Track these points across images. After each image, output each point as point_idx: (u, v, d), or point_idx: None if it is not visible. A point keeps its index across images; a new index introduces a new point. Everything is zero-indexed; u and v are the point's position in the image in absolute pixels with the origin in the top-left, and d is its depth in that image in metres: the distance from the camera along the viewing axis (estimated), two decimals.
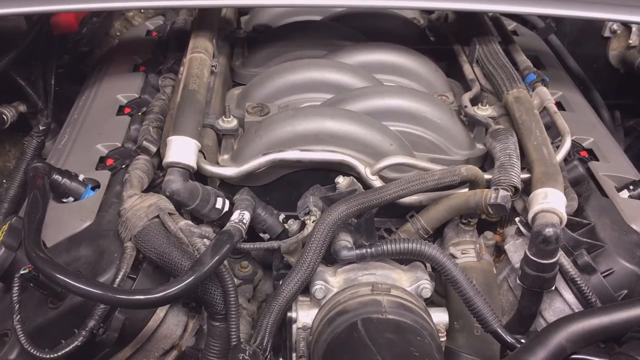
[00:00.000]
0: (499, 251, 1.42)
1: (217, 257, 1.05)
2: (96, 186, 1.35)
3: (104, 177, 1.37)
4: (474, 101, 1.55)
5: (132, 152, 1.41)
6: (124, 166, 1.39)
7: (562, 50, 2.24)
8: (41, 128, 1.90)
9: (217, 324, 1.13)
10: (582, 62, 2.28)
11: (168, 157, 1.24)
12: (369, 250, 1.16)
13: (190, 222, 1.18)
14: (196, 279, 1.01)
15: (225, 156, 1.43)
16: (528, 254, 1.15)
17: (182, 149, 1.25)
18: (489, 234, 1.39)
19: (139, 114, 1.59)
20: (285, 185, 1.41)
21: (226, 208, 1.30)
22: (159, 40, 1.95)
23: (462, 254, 1.36)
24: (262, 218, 1.31)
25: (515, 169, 1.27)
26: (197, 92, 1.36)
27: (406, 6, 1.51)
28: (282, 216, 1.34)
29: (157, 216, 1.15)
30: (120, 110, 1.62)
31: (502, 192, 1.22)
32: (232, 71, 1.79)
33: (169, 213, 1.17)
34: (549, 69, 1.92)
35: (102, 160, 1.44)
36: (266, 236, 1.34)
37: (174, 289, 1.00)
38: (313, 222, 1.18)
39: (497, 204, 1.21)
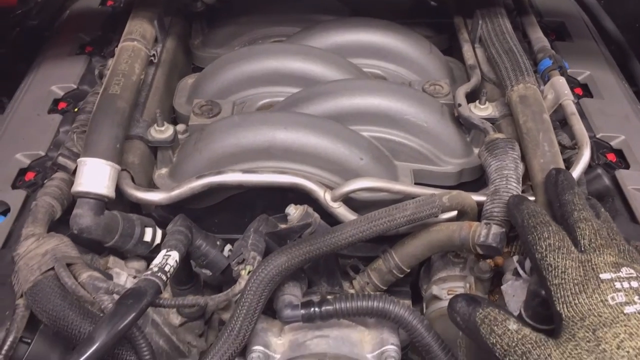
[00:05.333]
0: (500, 278, 1.16)
1: (114, 332, 0.83)
2: (7, 210, 1.13)
3: (18, 198, 1.14)
4: (473, 95, 1.25)
5: (48, 168, 1.18)
6: (46, 181, 1.16)
7: (596, 9, 1.86)
8: None
9: None
10: (623, 22, 1.89)
11: (76, 186, 1.00)
12: (317, 310, 0.92)
13: (95, 274, 0.94)
14: None
15: (164, 170, 1.18)
16: (523, 315, 0.89)
17: (93, 175, 1.01)
18: (484, 265, 1.11)
19: (75, 110, 1.35)
20: (236, 206, 1.16)
21: (157, 240, 1.08)
22: (113, 12, 1.66)
23: (449, 293, 1.10)
24: (202, 252, 1.07)
25: None
26: (119, 96, 1.09)
27: None
28: (227, 247, 1.10)
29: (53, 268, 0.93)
30: (55, 105, 1.38)
31: (494, 229, 0.96)
32: (189, 53, 1.51)
33: (68, 263, 0.94)
34: (577, 40, 1.58)
35: (22, 173, 1.22)
36: (207, 272, 1.11)
37: None
38: (248, 273, 0.94)
39: (487, 244, 0.96)
